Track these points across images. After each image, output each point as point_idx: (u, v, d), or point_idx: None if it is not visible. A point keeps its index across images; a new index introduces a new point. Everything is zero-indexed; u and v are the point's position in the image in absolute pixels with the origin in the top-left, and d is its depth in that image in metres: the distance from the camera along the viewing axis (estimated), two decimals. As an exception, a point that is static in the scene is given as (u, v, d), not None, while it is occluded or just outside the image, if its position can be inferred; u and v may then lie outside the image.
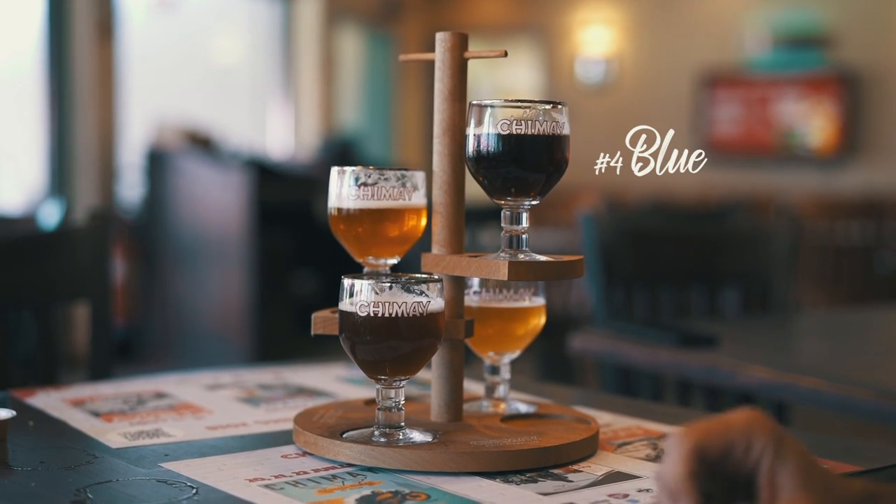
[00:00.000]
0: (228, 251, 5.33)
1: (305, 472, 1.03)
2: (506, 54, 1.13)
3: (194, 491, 0.96)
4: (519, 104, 1.09)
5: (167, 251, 5.63)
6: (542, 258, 1.11)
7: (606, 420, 1.26)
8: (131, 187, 6.09)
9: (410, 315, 1.02)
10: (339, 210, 1.18)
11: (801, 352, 2.06)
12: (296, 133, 7.76)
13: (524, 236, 1.12)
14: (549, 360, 4.42)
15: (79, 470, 1.02)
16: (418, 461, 1.02)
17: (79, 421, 1.21)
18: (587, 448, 1.10)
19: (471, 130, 1.11)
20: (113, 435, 1.15)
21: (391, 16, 8.55)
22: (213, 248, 5.41)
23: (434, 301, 1.04)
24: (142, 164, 5.85)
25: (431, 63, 1.17)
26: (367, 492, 0.97)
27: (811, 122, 7.73)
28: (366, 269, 1.21)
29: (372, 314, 1.02)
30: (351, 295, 1.04)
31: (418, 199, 1.19)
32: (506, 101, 1.10)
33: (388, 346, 1.03)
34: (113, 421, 1.22)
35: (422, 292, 1.03)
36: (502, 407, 1.23)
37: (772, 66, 7.87)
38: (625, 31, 8.44)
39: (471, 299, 1.24)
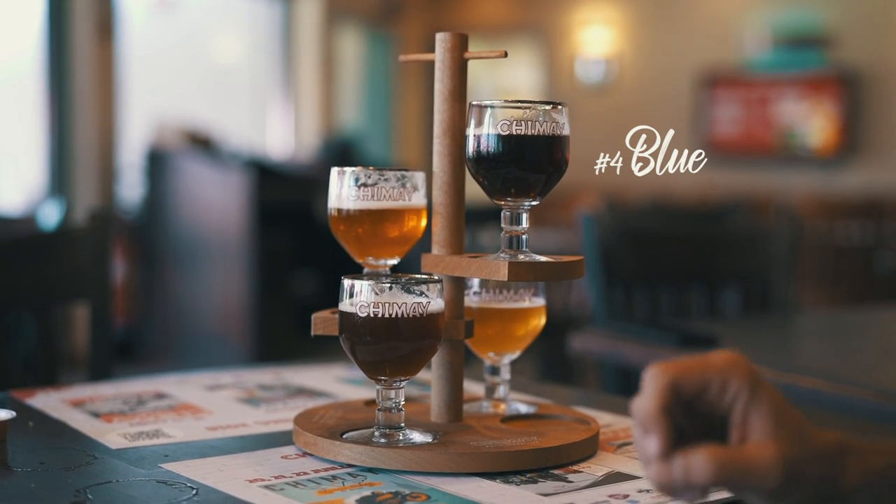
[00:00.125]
0: (228, 251, 5.33)
1: (305, 473, 1.03)
2: (506, 55, 1.13)
3: (194, 492, 0.96)
4: (519, 105, 1.09)
5: (167, 251, 5.63)
6: (542, 259, 1.11)
7: (607, 420, 1.26)
8: (131, 187, 6.08)
9: (410, 316, 1.02)
10: (339, 210, 1.18)
11: (801, 352, 2.06)
12: (296, 133, 7.76)
13: (524, 237, 1.12)
14: (549, 361, 4.42)
15: (78, 471, 1.02)
16: (418, 462, 1.02)
17: (79, 422, 1.21)
18: (587, 449, 1.11)
19: (471, 131, 1.11)
20: (113, 436, 1.15)
21: (391, 16, 8.55)
22: (213, 248, 5.41)
23: (434, 302, 1.04)
24: (142, 165, 5.84)
25: (431, 63, 1.17)
26: (367, 492, 0.97)
27: (811, 122, 7.72)
28: (366, 270, 1.21)
29: (372, 315, 1.02)
30: (351, 295, 1.04)
31: (418, 199, 1.19)
32: (506, 101, 1.10)
33: (388, 347, 1.03)
34: (113, 421, 1.22)
35: (422, 293, 1.03)
36: (502, 407, 1.23)
37: (772, 66, 7.87)
38: (625, 31, 8.44)
39: (471, 300, 1.24)
